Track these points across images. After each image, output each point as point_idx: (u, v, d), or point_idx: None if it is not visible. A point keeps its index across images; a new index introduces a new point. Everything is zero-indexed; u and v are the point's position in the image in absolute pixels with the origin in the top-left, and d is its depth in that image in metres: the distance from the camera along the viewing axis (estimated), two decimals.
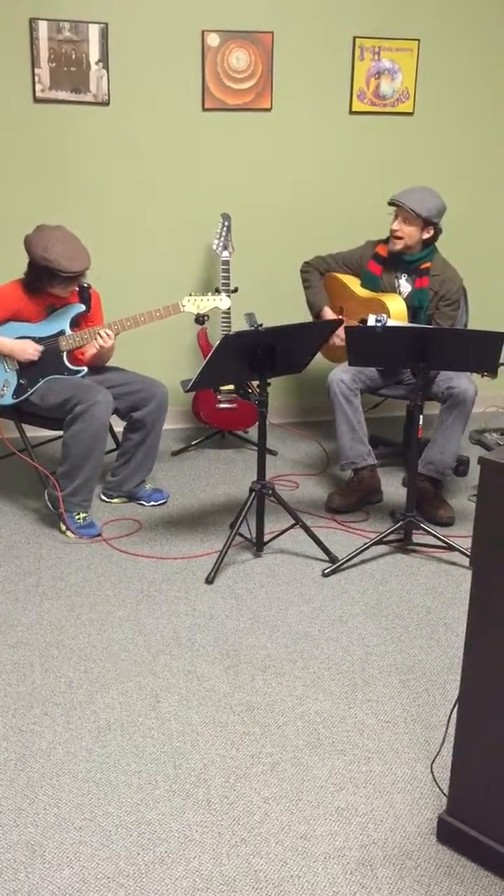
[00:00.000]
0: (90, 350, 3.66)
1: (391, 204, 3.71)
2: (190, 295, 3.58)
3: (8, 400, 3.57)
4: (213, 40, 4.36)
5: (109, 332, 3.51)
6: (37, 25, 4.16)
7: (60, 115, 4.32)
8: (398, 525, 3.36)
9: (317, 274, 4.04)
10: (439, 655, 2.75)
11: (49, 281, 3.43)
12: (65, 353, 3.57)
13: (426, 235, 3.73)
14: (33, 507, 3.76)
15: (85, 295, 3.64)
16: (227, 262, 4.20)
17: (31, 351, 3.49)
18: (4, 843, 1.99)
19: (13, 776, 2.19)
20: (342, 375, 3.67)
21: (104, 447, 3.51)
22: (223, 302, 3.65)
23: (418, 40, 4.58)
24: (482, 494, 1.81)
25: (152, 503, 3.80)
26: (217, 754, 2.29)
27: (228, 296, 3.82)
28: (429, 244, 3.77)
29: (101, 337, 3.50)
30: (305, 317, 4.10)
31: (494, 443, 4.11)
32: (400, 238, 3.71)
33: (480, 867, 1.95)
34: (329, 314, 3.96)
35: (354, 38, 4.51)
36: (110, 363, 3.75)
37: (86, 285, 3.65)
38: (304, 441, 4.67)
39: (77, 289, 3.60)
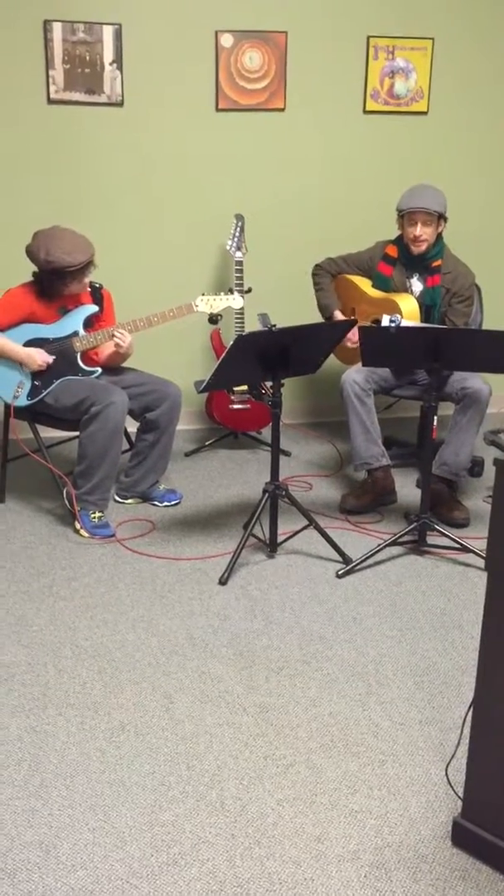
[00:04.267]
0: (107, 350, 3.67)
1: (410, 213, 3.67)
2: (202, 295, 3.58)
3: (23, 401, 3.58)
4: (227, 40, 4.36)
5: (123, 331, 3.52)
6: (51, 27, 4.17)
7: (74, 117, 4.33)
8: (412, 526, 3.34)
9: (328, 276, 4.03)
10: (454, 657, 2.74)
11: (61, 281, 3.44)
12: (79, 354, 3.57)
13: (440, 229, 3.74)
14: (47, 508, 3.76)
15: (97, 296, 3.65)
16: (240, 263, 4.20)
17: (40, 361, 3.49)
18: (19, 843, 1.99)
19: (27, 776, 2.20)
20: (355, 376, 3.66)
21: (120, 446, 3.52)
22: (236, 301, 3.64)
23: (432, 39, 4.56)
24: (497, 495, 1.80)
25: (166, 503, 3.80)
26: (230, 756, 2.29)
27: (242, 295, 3.81)
28: (440, 236, 3.77)
29: (118, 336, 3.51)
30: (319, 317, 4.09)
31: None
32: (424, 241, 3.70)
33: (496, 871, 1.94)
34: (340, 318, 3.95)
35: (368, 37, 4.50)
36: (125, 364, 3.75)
37: (98, 286, 3.65)
38: (317, 442, 4.66)
39: (90, 289, 3.60)
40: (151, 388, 3.64)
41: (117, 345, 3.52)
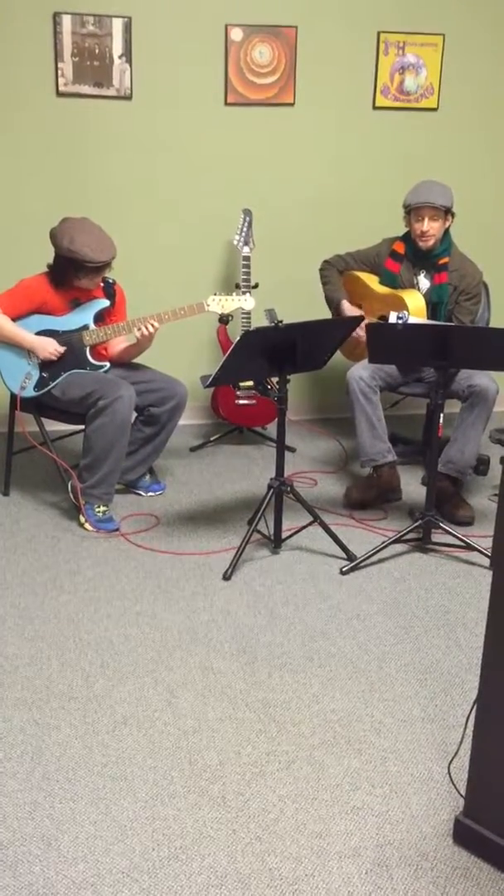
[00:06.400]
0: (117, 345, 3.67)
1: (417, 208, 3.66)
2: (214, 294, 3.57)
3: (30, 392, 3.58)
4: (237, 34, 4.35)
5: (153, 322, 3.49)
6: (60, 19, 4.16)
7: (83, 110, 4.32)
8: (417, 524, 3.34)
9: (335, 272, 4.03)
10: (457, 655, 2.73)
11: (75, 273, 3.44)
12: (88, 348, 3.57)
13: (447, 224, 3.73)
14: (52, 501, 3.77)
15: (110, 290, 3.64)
16: (247, 258, 4.20)
17: (52, 350, 3.49)
18: (20, 835, 2.00)
19: (29, 769, 2.20)
20: (361, 372, 3.65)
21: (126, 441, 3.52)
22: (247, 302, 3.63)
23: (443, 35, 4.54)
24: None
25: (150, 493, 3.84)
26: (232, 751, 2.29)
27: (251, 295, 3.80)
28: (447, 232, 3.76)
29: (146, 327, 3.47)
30: (326, 313, 4.08)
31: None
32: (431, 236, 3.69)
33: (497, 869, 1.94)
34: (347, 307, 3.95)
35: (379, 32, 4.49)
36: (135, 359, 3.75)
37: (111, 281, 3.65)
38: (322, 438, 4.65)
39: (102, 284, 3.60)
40: (159, 385, 3.64)
41: (148, 333, 3.49)
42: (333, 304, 4.00)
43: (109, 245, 3.43)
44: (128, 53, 4.27)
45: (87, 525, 3.51)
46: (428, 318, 3.74)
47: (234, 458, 4.36)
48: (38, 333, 3.52)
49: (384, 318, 3.66)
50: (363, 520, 3.66)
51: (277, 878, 1.91)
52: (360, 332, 3.81)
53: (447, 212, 3.69)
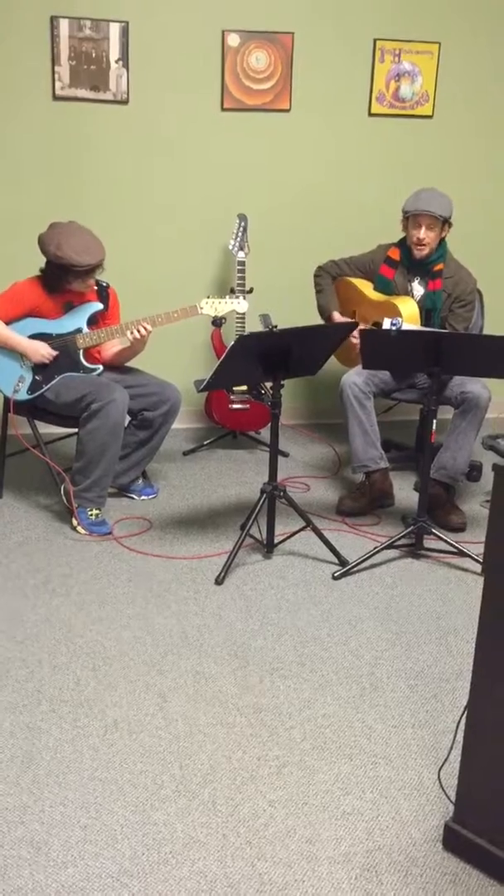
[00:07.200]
0: (110, 348, 3.67)
1: (416, 215, 3.66)
2: (208, 297, 3.57)
3: (23, 395, 3.58)
4: (234, 40, 4.36)
5: (146, 324, 3.49)
6: (57, 23, 4.17)
7: (79, 113, 4.32)
8: (409, 530, 3.34)
9: (329, 279, 4.04)
10: (448, 661, 2.74)
11: (66, 277, 3.44)
12: (81, 351, 3.57)
13: (443, 234, 3.74)
14: (44, 504, 3.76)
15: (103, 294, 3.65)
16: (242, 263, 4.20)
17: (44, 353, 3.50)
18: (9, 839, 1.99)
19: (19, 773, 2.20)
20: (355, 378, 3.66)
21: (119, 444, 3.52)
22: (240, 305, 3.63)
23: (439, 43, 4.56)
24: (496, 501, 1.80)
25: (143, 497, 3.84)
26: (223, 756, 2.29)
27: (244, 298, 3.81)
28: (442, 241, 3.77)
29: (139, 330, 3.47)
30: (320, 319, 4.09)
31: None
32: (426, 245, 3.70)
33: (486, 876, 1.94)
34: (338, 318, 3.96)
35: (375, 39, 4.50)
36: (128, 363, 3.75)
37: (105, 284, 3.65)
38: (316, 443, 4.66)
39: (96, 287, 3.60)
40: (152, 390, 3.64)
41: (141, 336, 3.49)
42: (325, 315, 4.01)
43: (96, 248, 3.42)
44: (125, 58, 4.28)
45: (79, 528, 3.51)
46: (422, 325, 3.75)
47: (228, 463, 4.37)
48: (32, 337, 3.52)
49: (378, 324, 3.67)
50: (356, 525, 3.66)
51: (267, 883, 1.91)
52: (356, 334, 3.82)
53: (445, 222, 3.70)
